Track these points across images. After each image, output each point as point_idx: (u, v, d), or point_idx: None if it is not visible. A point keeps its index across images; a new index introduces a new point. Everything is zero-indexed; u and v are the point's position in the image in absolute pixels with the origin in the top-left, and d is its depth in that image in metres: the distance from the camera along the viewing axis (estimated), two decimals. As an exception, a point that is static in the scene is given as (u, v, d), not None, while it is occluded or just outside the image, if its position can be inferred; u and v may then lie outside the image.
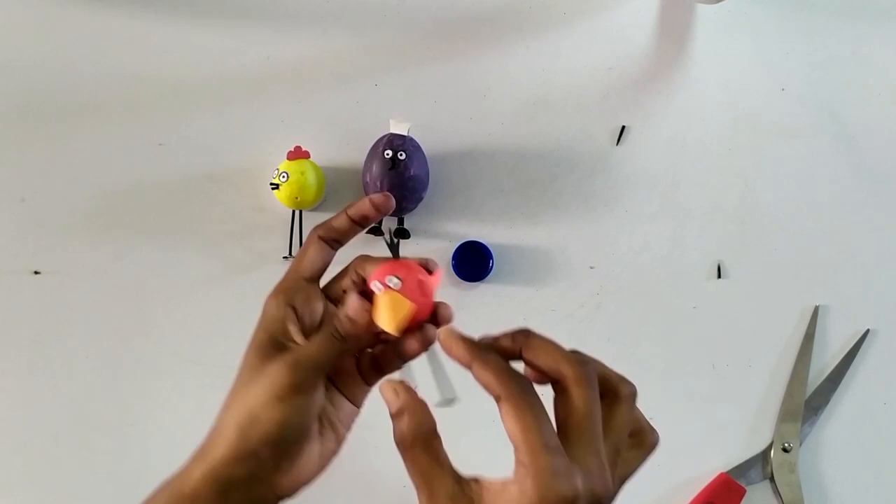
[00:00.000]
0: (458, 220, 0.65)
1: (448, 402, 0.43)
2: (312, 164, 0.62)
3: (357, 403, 0.45)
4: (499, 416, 0.36)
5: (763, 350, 0.66)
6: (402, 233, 0.64)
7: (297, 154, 0.62)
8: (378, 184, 0.61)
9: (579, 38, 0.68)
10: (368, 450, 0.62)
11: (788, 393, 0.65)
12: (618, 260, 0.66)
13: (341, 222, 0.44)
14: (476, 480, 0.37)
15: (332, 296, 0.45)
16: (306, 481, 0.42)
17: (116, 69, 0.65)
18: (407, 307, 0.41)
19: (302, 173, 0.61)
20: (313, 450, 0.42)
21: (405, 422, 0.38)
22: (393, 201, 0.45)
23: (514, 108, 0.67)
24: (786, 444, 0.64)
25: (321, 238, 0.44)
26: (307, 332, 0.43)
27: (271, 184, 0.61)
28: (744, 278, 0.67)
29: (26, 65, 0.64)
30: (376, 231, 0.64)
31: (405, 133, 0.62)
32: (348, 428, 0.45)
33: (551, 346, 0.38)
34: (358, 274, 0.44)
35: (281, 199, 0.61)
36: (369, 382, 0.46)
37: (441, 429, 0.38)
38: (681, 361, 0.66)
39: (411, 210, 0.63)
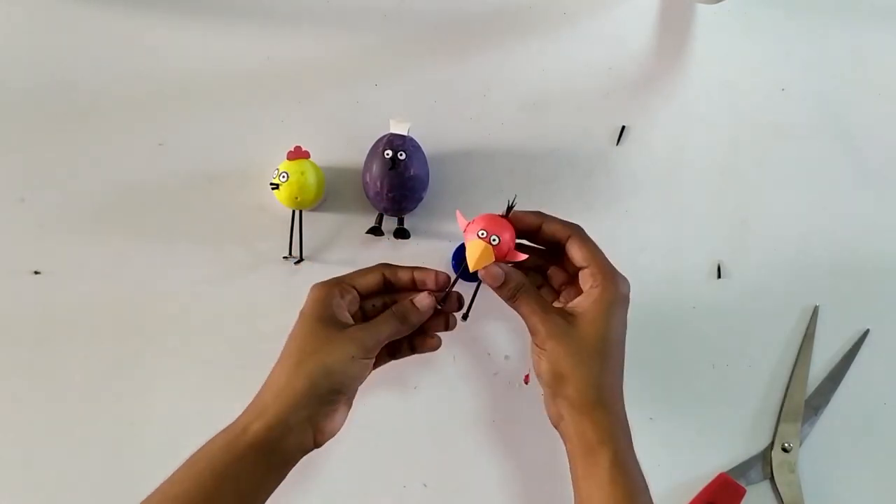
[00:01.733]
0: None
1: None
2: (312, 164, 0.62)
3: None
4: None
5: (763, 350, 0.66)
6: (402, 233, 0.64)
7: (297, 154, 0.62)
8: (378, 183, 0.61)
9: (579, 37, 0.68)
10: (370, 449, 0.62)
11: (788, 393, 0.65)
12: (618, 260, 0.66)
13: (406, 276, 0.56)
14: (562, 305, 0.54)
15: (365, 309, 0.56)
16: (336, 431, 0.52)
17: (117, 69, 0.65)
18: (491, 259, 0.53)
19: (302, 173, 0.61)
20: (346, 405, 0.53)
21: (514, 281, 0.53)
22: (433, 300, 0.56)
23: (515, 108, 0.67)
24: (785, 444, 0.64)
25: (384, 274, 0.56)
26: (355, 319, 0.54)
27: (271, 184, 0.61)
28: (744, 278, 0.67)
29: (26, 65, 0.64)
30: (377, 231, 0.64)
31: (405, 133, 0.61)
32: (355, 394, 0.54)
33: (558, 219, 0.55)
34: (387, 278, 0.56)
35: (281, 199, 0.61)
36: (392, 356, 0.57)
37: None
38: (681, 361, 0.66)
39: (411, 210, 0.63)
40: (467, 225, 0.54)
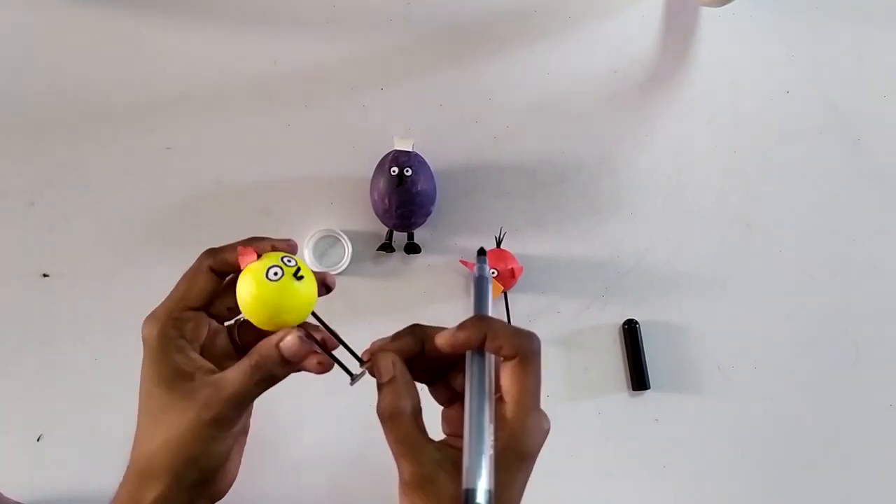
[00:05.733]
0: (466, 228, 0.66)
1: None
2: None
3: None
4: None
5: (767, 351, 0.66)
6: (412, 247, 0.64)
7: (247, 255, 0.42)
8: (386, 201, 0.61)
9: (584, 41, 0.68)
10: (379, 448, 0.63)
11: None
12: (623, 261, 0.66)
13: (232, 258, 0.42)
14: (448, 444, 0.39)
15: (213, 313, 0.44)
16: (235, 478, 0.44)
17: (125, 74, 0.65)
18: (499, 290, 0.60)
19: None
20: (235, 453, 0.44)
21: (394, 392, 0.38)
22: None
23: (520, 111, 0.67)
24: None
25: (212, 269, 0.42)
26: (206, 356, 0.42)
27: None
28: (748, 279, 0.67)
29: (35, 70, 0.65)
30: (387, 248, 0.64)
31: (409, 149, 0.61)
32: (250, 415, 0.45)
33: (508, 328, 0.40)
34: (215, 270, 0.42)
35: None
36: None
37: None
38: (685, 362, 0.66)
39: (421, 224, 0.64)
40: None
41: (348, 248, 0.64)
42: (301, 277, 0.40)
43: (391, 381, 0.39)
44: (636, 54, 0.68)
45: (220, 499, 0.44)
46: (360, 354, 0.42)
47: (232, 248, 0.42)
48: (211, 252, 0.43)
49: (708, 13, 0.69)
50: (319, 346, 0.42)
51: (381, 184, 0.61)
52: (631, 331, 0.65)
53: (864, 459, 0.66)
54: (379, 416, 0.38)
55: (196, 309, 0.42)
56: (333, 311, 0.63)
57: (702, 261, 0.67)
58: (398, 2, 0.66)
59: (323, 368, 0.41)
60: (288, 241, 0.43)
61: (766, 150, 0.68)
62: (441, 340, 0.40)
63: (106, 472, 0.62)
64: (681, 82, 0.68)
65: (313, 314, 0.42)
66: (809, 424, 0.66)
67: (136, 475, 0.41)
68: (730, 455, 0.65)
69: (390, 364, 0.39)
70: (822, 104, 0.69)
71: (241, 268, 0.41)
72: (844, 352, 0.67)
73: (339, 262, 0.64)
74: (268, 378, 0.40)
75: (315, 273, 0.42)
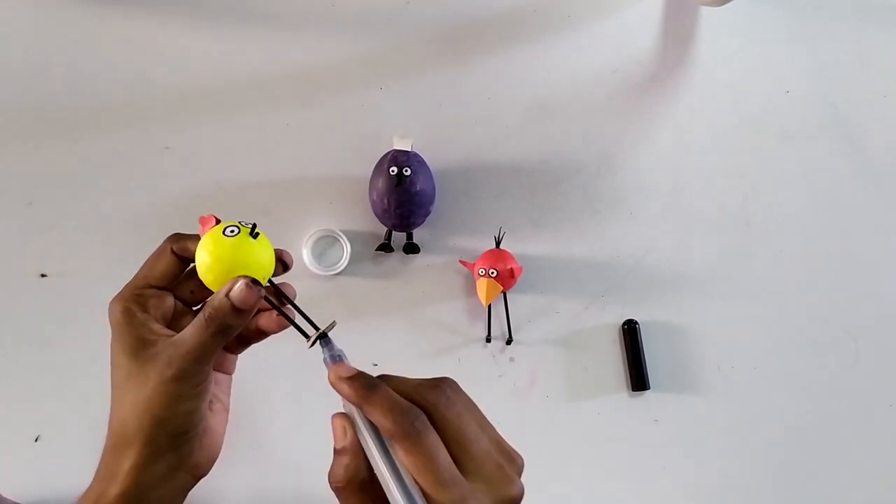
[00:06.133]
0: (466, 228, 0.66)
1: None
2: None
3: (229, 371, 0.48)
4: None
5: (767, 351, 0.66)
6: (411, 247, 0.64)
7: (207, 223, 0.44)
8: (385, 201, 0.61)
9: (583, 41, 0.68)
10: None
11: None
12: (623, 261, 0.66)
13: (196, 244, 0.43)
14: None
15: (178, 295, 0.46)
16: (216, 454, 0.46)
17: (123, 73, 0.65)
18: (498, 290, 0.61)
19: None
20: (212, 425, 0.45)
21: (344, 462, 0.37)
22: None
23: (519, 111, 0.67)
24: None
25: (174, 253, 0.44)
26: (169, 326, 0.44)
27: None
28: (748, 279, 0.67)
29: (33, 69, 0.65)
30: (386, 248, 0.64)
31: (409, 148, 0.61)
32: (228, 394, 0.48)
33: (410, 383, 0.38)
34: (178, 255, 0.45)
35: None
36: (235, 352, 0.48)
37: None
38: (685, 363, 0.66)
39: (420, 224, 0.63)
40: (472, 267, 0.62)
41: (347, 248, 0.64)
42: (257, 235, 0.41)
43: (342, 450, 0.37)
44: (636, 54, 0.68)
45: (202, 475, 0.45)
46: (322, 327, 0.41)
47: (196, 237, 0.43)
48: (176, 236, 0.45)
49: (708, 13, 0.69)
50: (274, 307, 0.43)
51: (380, 184, 0.61)
52: (630, 331, 0.65)
53: (863, 459, 0.66)
54: (329, 483, 0.37)
55: (159, 288, 0.44)
56: (332, 311, 0.64)
57: (701, 261, 0.67)
58: (397, 1, 0.66)
59: (279, 326, 0.44)
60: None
61: (766, 150, 0.68)
62: (332, 377, 0.38)
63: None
64: (680, 82, 0.68)
65: (269, 282, 0.43)
66: (809, 425, 0.66)
67: (112, 448, 0.43)
68: (729, 455, 0.65)
69: (342, 431, 0.37)
70: (822, 104, 0.69)
71: (202, 232, 0.42)
72: (844, 352, 0.67)
73: (337, 262, 0.64)
74: (223, 329, 0.41)
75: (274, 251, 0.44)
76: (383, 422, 0.35)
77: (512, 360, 0.65)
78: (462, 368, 0.64)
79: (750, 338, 0.66)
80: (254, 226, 0.42)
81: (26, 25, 0.65)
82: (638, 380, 0.64)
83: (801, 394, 0.66)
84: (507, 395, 0.64)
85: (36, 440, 0.62)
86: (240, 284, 0.40)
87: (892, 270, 0.68)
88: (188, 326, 0.42)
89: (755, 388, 0.66)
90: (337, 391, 0.38)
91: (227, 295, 0.40)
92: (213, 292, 0.42)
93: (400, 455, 0.35)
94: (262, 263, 0.42)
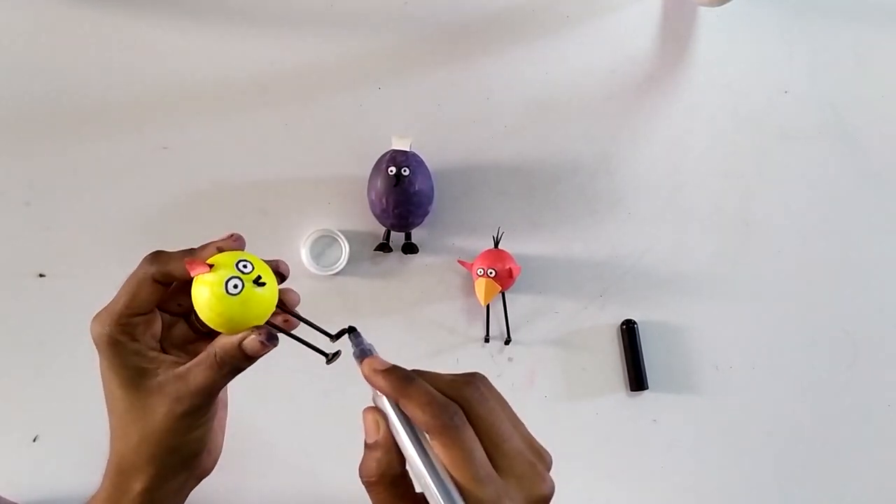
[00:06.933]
0: (464, 228, 0.66)
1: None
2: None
3: None
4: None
5: (765, 351, 0.66)
6: (410, 248, 0.64)
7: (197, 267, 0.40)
8: (383, 201, 0.61)
9: (582, 41, 0.68)
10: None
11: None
12: (621, 261, 0.66)
13: (178, 269, 0.41)
14: None
15: (164, 308, 0.44)
16: (219, 453, 0.46)
17: (121, 73, 0.65)
18: (497, 290, 0.61)
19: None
20: (214, 428, 0.44)
21: (377, 456, 0.36)
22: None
23: (518, 110, 0.67)
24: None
25: (154, 279, 0.41)
26: (166, 346, 0.43)
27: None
28: (747, 279, 0.67)
29: (31, 69, 0.64)
30: (385, 248, 0.64)
31: (407, 149, 0.61)
32: (226, 389, 0.46)
33: (443, 379, 0.37)
34: (160, 282, 0.42)
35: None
36: None
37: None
38: (684, 363, 0.66)
39: (418, 224, 0.63)
40: (471, 267, 0.62)
41: (346, 248, 0.64)
42: (263, 284, 0.39)
43: (374, 445, 0.37)
44: (634, 54, 0.68)
45: (208, 474, 0.46)
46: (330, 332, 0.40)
47: (177, 258, 0.41)
48: (154, 258, 0.41)
49: (706, 13, 0.69)
50: (286, 333, 0.41)
51: (379, 184, 0.61)
52: (629, 331, 0.65)
53: (863, 459, 0.66)
54: (360, 477, 0.37)
55: (145, 314, 0.42)
56: (331, 311, 0.64)
57: (700, 261, 0.67)
58: (395, 1, 0.66)
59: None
60: (231, 235, 0.42)
61: (764, 149, 0.68)
62: (366, 370, 0.38)
63: (102, 474, 0.62)
64: (679, 82, 0.68)
65: (278, 306, 0.41)
66: (808, 425, 0.66)
67: (119, 470, 0.43)
68: (728, 455, 0.65)
69: (374, 426, 0.37)
70: (821, 104, 0.69)
71: (192, 276, 0.39)
72: (843, 352, 0.67)
73: (336, 262, 0.64)
74: (233, 370, 0.40)
75: (268, 262, 0.41)
76: (420, 416, 0.35)
77: (510, 360, 0.65)
78: (460, 368, 0.64)
79: (748, 337, 0.66)
80: (257, 275, 0.39)
81: (25, 25, 0.65)
82: (636, 379, 0.64)
83: (799, 393, 0.66)
84: (506, 395, 0.64)
85: (34, 440, 0.62)
86: (254, 339, 0.39)
87: (890, 270, 0.68)
88: (196, 363, 0.40)
89: (754, 388, 0.66)
90: (371, 384, 0.37)
91: (239, 345, 0.39)
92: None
93: (436, 450, 0.35)
94: (268, 304, 0.40)
